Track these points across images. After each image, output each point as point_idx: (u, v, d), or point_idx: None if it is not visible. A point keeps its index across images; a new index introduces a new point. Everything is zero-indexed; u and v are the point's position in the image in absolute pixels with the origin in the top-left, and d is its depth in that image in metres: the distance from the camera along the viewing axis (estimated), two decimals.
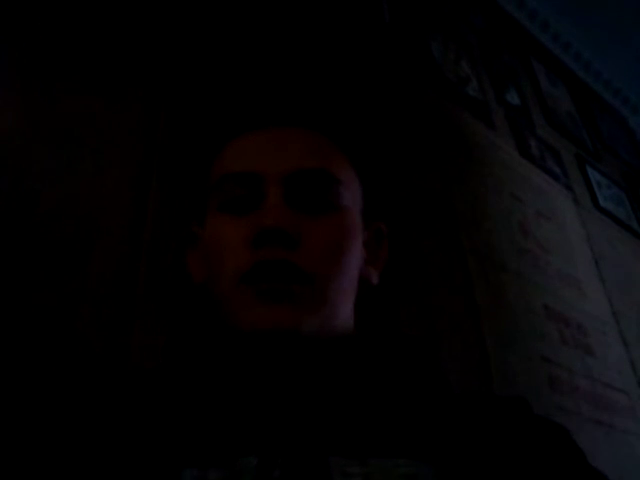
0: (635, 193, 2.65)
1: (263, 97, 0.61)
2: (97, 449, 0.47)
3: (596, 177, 2.39)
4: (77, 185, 0.83)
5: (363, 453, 0.46)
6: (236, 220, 0.55)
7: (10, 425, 0.49)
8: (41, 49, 0.89)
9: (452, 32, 2.07)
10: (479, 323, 1.34)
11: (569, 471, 0.51)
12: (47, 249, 0.76)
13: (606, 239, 2.15)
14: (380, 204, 0.68)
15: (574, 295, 1.75)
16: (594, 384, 1.55)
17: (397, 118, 1.52)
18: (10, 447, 0.47)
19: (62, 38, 0.92)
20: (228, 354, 0.56)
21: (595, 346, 1.67)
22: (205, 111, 0.95)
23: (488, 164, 1.80)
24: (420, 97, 1.67)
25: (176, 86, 1.03)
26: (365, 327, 0.63)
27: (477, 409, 0.54)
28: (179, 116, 1.00)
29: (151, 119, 0.96)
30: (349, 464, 0.45)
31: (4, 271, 0.72)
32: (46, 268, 0.75)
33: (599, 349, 1.68)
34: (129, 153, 0.91)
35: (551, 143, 2.25)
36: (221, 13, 1.20)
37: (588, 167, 2.38)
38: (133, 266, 0.83)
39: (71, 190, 0.83)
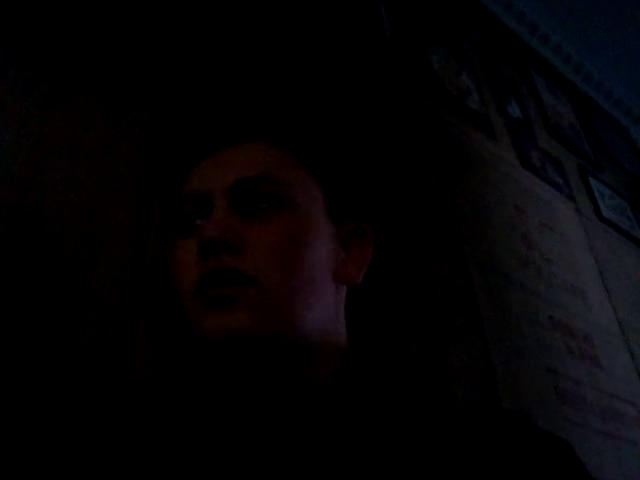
0: (638, 203, 2.64)
1: (208, 124, 0.62)
2: (93, 471, 0.47)
3: (599, 187, 2.38)
4: (81, 198, 0.84)
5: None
6: (188, 241, 0.57)
7: (13, 438, 0.49)
8: (45, 63, 0.90)
9: (453, 45, 2.09)
10: (484, 335, 1.34)
11: None
12: (51, 263, 0.76)
13: (610, 249, 2.15)
14: (356, 203, 0.67)
15: (579, 306, 1.74)
16: (601, 395, 1.54)
17: (398, 129, 1.52)
18: (12, 461, 0.47)
19: (63, 51, 0.93)
20: (207, 368, 0.57)
21: (602, 357, 1.66)
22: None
23: (490, 175, 1.80)
24: (421, 109, 1.68)
25: (177, 97, 1.03)
26: (365, 341, 0.62)
27: (478, 429, 0.53)
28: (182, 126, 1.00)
29: (154, 129, 0.97)
30: None
31: (8, 285, 0.72)
32: (50, 282, 0.75)
33: (605, 360, 1.67)
34: (132, 164, 0.92)
35: (553, 154, 2.25)
36: (219, 25, 1.21)
37: (590, 178, 2.38)
38: (137, 279, 0.83)
39: (75, 203, 0.83)
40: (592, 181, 2.37)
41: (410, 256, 1.30)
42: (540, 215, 1.89)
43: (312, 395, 0.55)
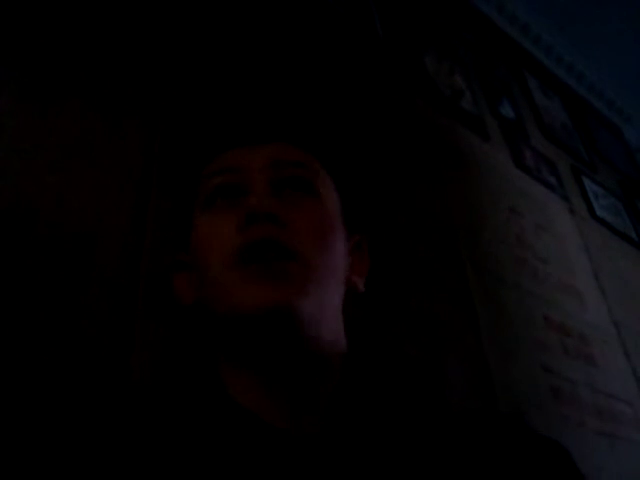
0: (631, 202, 2.65)
1: (245, 119, 0.65)
2: (91, 473, 0.47)
3: (592, 187, 2.39)
4: (76, 202, 0.83)
5: None
6: (223, 212, 0.57)
7: (12, 438, 0.49)
8: (39, 66, 0.89)
9: (445, 46, 2.09)
10: (479, 335, 1.34)
11: None
12: (46, 266, 0.76)
13: (604, 249, 2.16)
14: (361, 218, 0.69)
15: (575, 305, 1.75)
16: (597, 395, 1.54)
17: (392, 132, 1.53)
18: (11, 461, 0.47)
19: (60, 54, 0.93)
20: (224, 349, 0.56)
21: (597, 356, 1.66)
22: (194, 130, 0.97)
23: (484, 176, 1.80)
24: (415, 111, 1.68)
25: (173, 100, 1.03)
26: (362, 345, 0.63)
27: (474, 433, 0.54)
28: (177, 130, 1.00)
29: (149, 133, 0.97)
30: None
31: (4, 288, 0.71)
32: (46, 285, 0.75)
33: (601, 359, 1.67)
34: (128, 168, 0.91)
35: (546, 154, 2.26)
36: (215, 30, 1.21)
37: (584, 178, 2.39)
38: (132, 283, 0.82)
39: (70, 207, 0.82)
40: (586, 181, 2.38)
41: (406, 258, 1.30)
42: (534, 215, 1.90)
43: (316, 403, 0.54)
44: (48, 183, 0.82)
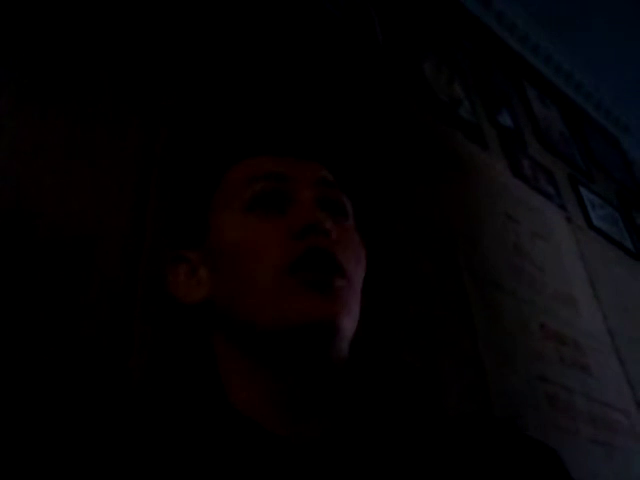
0: (628, 212, 2.66)
1: (283, 128, 0.67)
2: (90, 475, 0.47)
3: (589, 197, 2.40)
4: (76, 204, 0.83)
5: None
6: (269, 217, 0.57)
7: (11, 439, 0.49)
8: (39, 68, 0.89)
9: (444, 54, 2.10)
10: (476, 341, 1.34)
11: None
12: (47, 268, 0.76)
13: (600, 258, 2.16)
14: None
15: (570, 314, 1.75)
16: (592, 403, 1.55)
17: (390, 139, 1.53)
18: (9, 461, 0.47)
19: (60, 56, 0.93)
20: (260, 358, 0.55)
21: (593, 365, 1.67)
22: (216, 125, 0.98)
23: (482, 185, 1.81)
24: (413, 118, 1.69)
25: (174, 101, 1.03)
26: (361, 351, 0.63)
27: (469, 437, 0.55)
28: (178, 133, 1.00)
29: (150, 137, 0.97)
30: None
31: (4, 290, 0.71)
32: (46, 287, 0.75)
33: (596, 368, 1.67)
34: (127, 170, 0.92)
35: (544, 163, 2.26)
36: (215, 33, 1.22)
37: (581, 187, 2.40)
38: (132, 285, 0.83)
39: (70, 209, 0.82)
40: (583, 190, 2.39)
41: (405, 264, 1.30)
42: (532, 224, 1.90)
43: (318, 409, 0.54)
44: (48, 185, 0.82)
